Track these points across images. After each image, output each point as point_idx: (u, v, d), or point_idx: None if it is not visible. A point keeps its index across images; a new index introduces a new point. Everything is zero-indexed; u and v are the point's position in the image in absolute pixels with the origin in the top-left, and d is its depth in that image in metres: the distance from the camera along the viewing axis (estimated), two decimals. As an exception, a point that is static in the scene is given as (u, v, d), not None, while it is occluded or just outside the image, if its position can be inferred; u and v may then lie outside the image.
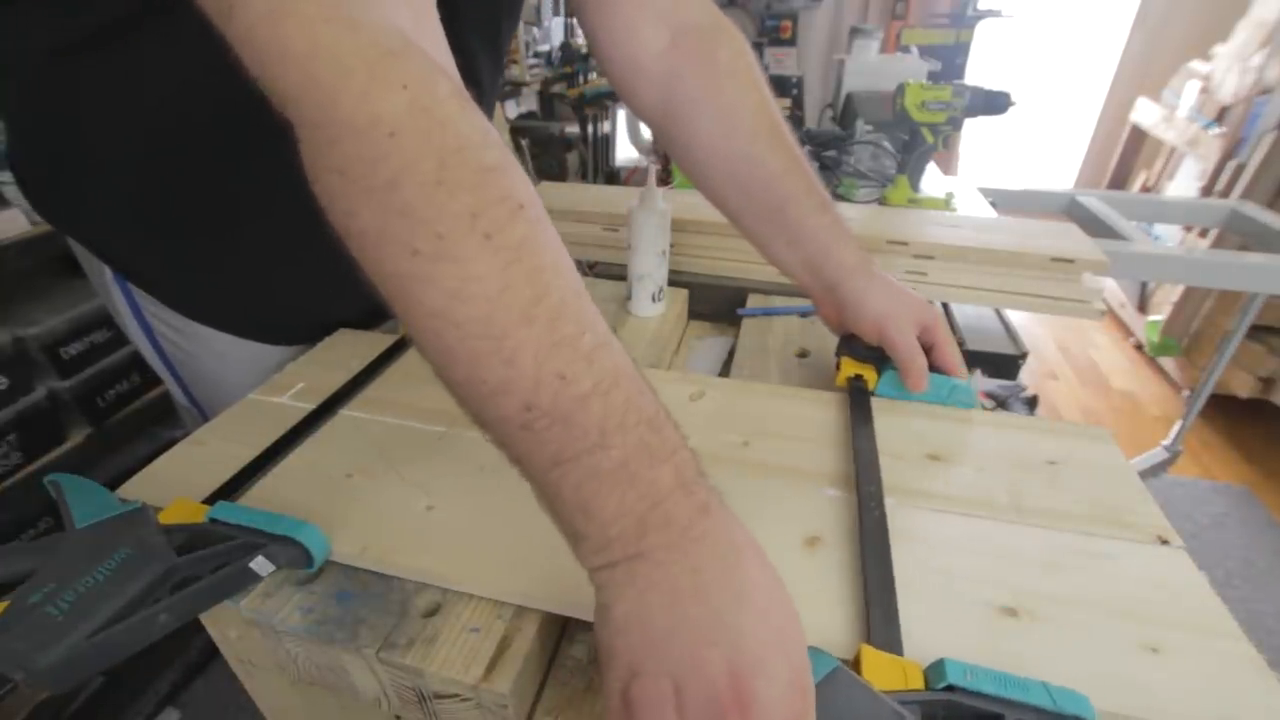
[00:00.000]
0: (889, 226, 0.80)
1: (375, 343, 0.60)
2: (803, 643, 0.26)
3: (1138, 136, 2.65)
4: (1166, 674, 0.31)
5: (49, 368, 1.01)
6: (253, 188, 0.51)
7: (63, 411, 1.03)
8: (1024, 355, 0.71)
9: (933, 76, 1.29)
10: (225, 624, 0.38)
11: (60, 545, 0.33)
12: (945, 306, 0.79)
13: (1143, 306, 2.29)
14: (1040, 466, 0.45)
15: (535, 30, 2.94)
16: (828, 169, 1.14)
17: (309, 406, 0.50)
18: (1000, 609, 0.34)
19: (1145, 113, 2.54)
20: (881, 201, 1.06)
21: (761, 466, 0.45)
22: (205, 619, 0.38)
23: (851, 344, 0.53)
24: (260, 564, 0.35)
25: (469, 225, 0.25)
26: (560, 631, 0.38)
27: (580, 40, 2.87)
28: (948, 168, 2.17)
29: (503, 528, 0.39)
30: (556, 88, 2.75)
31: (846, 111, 1.33)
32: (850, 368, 0.53)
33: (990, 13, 2.34)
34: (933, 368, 0.50)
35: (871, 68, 1.38)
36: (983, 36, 2.33)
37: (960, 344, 0.53)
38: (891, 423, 0.49)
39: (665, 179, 1.28)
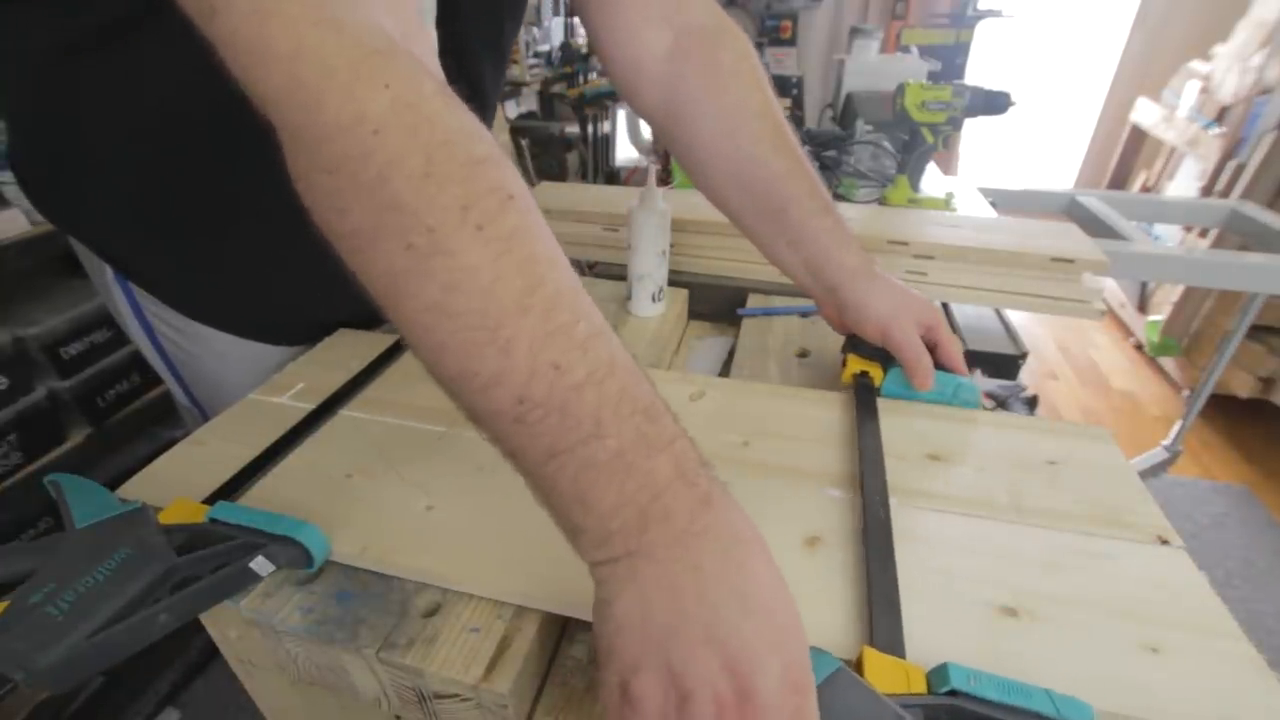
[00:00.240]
0: (889, 226, 0.80)
1: (375, 343, 0.60)
2: (803, 639, 0.26)
3: (1138, 136, 2.65)
4: (1166, 674, 0.31)
5: (49, 368, 1.01)
6: (252, 188, 0.51)
7: (63, 411, 1.03)
8: (1024, 355, 0.70)
9: (933, 76, 1.29)
10: (225, 624, 0.38)
11: (60, 545, 0.33)
12: (945, 306, 0.79)
13: (1143, 306, 2.29)
14: (1040, 466, 0.45)
15: (535, 30, 2.94)
16: (828, 169, 1.14)
17: (309, 406, 0.50)
18: (1000, 609, 0.34)
19: (1145, 113, 2.54)
20: (881, 201, 1.06)
21: (762, 466, 0.45)
22: (205, 619, 0.38)
23: (857, 342, 0.53)
24: (260, 564, 0.35)
25: (460, 217, 0.25)
26: (560, 631, 0.38)
27: (580, 40, 2.87)
28: (948, 168, 2.17)
29: (502, 528, 0.39)
30: (556, 88, 2.75)
31: (846, 111, 1.32)
32: (856, 365, 0.53)
33: (990, 13, 2.34)
34: (937, 366, 0.50)
35: (871, 68, 1.38)
36: (983, 36, 2.32)
37: (961, 344, 0.53)
38: (892, 423, 0.49)
39: (665, 179, 1.28)
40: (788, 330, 0.68)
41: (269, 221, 0.53)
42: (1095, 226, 1.22)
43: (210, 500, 0.40)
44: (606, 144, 2.84)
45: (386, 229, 0.26)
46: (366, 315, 0.65)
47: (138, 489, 0.43)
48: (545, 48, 2.97)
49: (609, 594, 0.26)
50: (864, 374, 0.53)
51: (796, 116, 1.87)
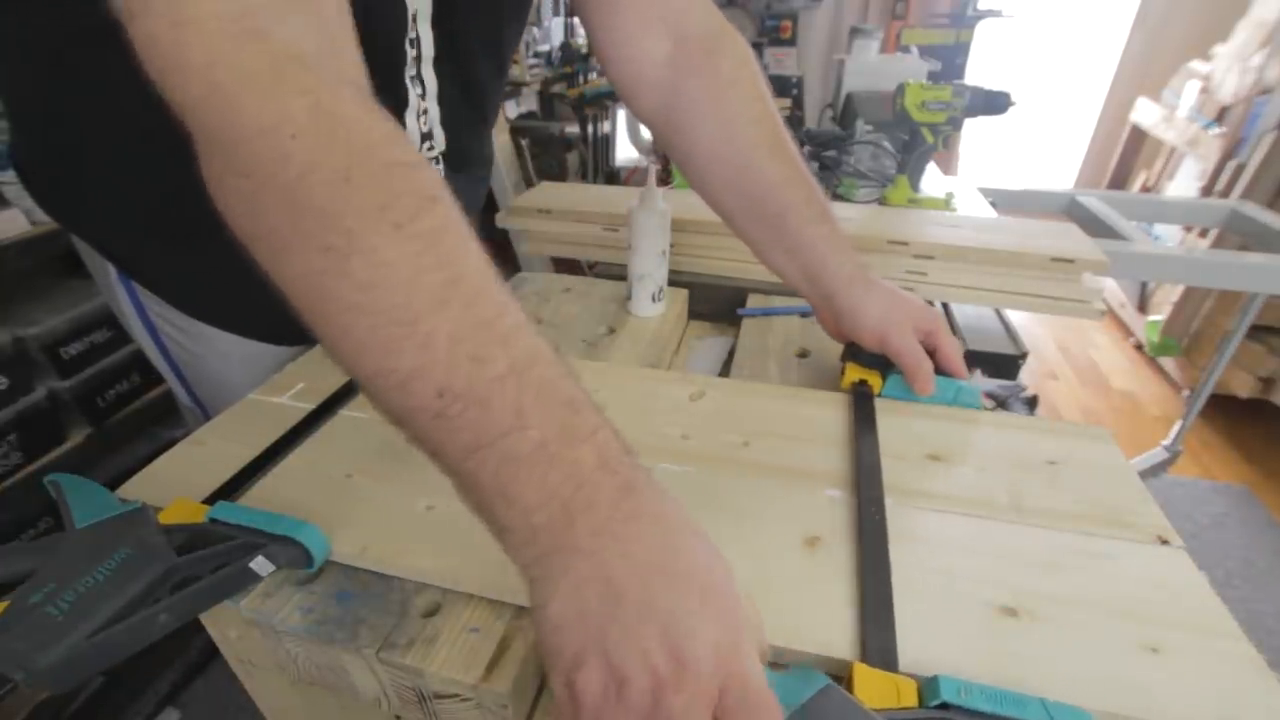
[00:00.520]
0: (889, 226, 0.80)
1: (375, 343, 0.60)
2: (736, 607, 0.26)
3: (1138, 136, 2.65)
4: (1166, 674, 0.31)
5: (49, 368, 1.01)
6: None
7: (63, 411, 1.03)
8: (1024, 355, 0.70)
9: (933, 76, 1.29)
10: (225, 624, 0.38)
11: (60, 545, 0.33)
12: (945, 306, 0.79)
13: (1143, 306, 2.29)
14: (1040, 466, 0.45)
15: (535, 30, 2.94)
16: (828, 169, 1.14)
17: (309, 406, 0.50)
18: (1000, 609, 0.34)
19: (1145, 113, 2.54)
20: (881, 201, 1.06)
21: (761, 466, 0.45)
22: (205, 619, 0.38)
23: (856, 350, 0.53)
24: (260, 564, 0.35)
25: (378, 216, 0.26)
26: (560, 631, 0.38)
27: (580, 40, 2.87)
28: (948, 168, 2.17)
29: (503, 528, 0.39)
30: (556, 88, 2.74)
31: (846, 111, 1.33)
32: (855, 373, 0.53)
33: (990, 13, 2.34)
34: (936, 371, 0.50)
35: (871, 68, 1.38)
36: (983, 36, 2.33)
37: (961, 344, 0.53)
38: (892, 423, 0.49)
39: (665, 179, 1.28)
40: (788, 330, 0.68)
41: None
42: (1095, 226, 1.22)
43: (210, 500, 0.40)
44: (606, 144, 2.84)
45: (304, 231, 0.26)
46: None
47: (138, 489, 0.43)
48: (545, 48, 2.96)
49: (543, 595, 0.26)
50: (863, 382, 0.53)
51: (796, 116, 1.87)
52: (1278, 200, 1.77)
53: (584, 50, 2.76)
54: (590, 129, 2.69)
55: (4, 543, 0.34)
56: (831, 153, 1.16)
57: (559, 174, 2.69)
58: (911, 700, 0.29)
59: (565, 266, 0.96)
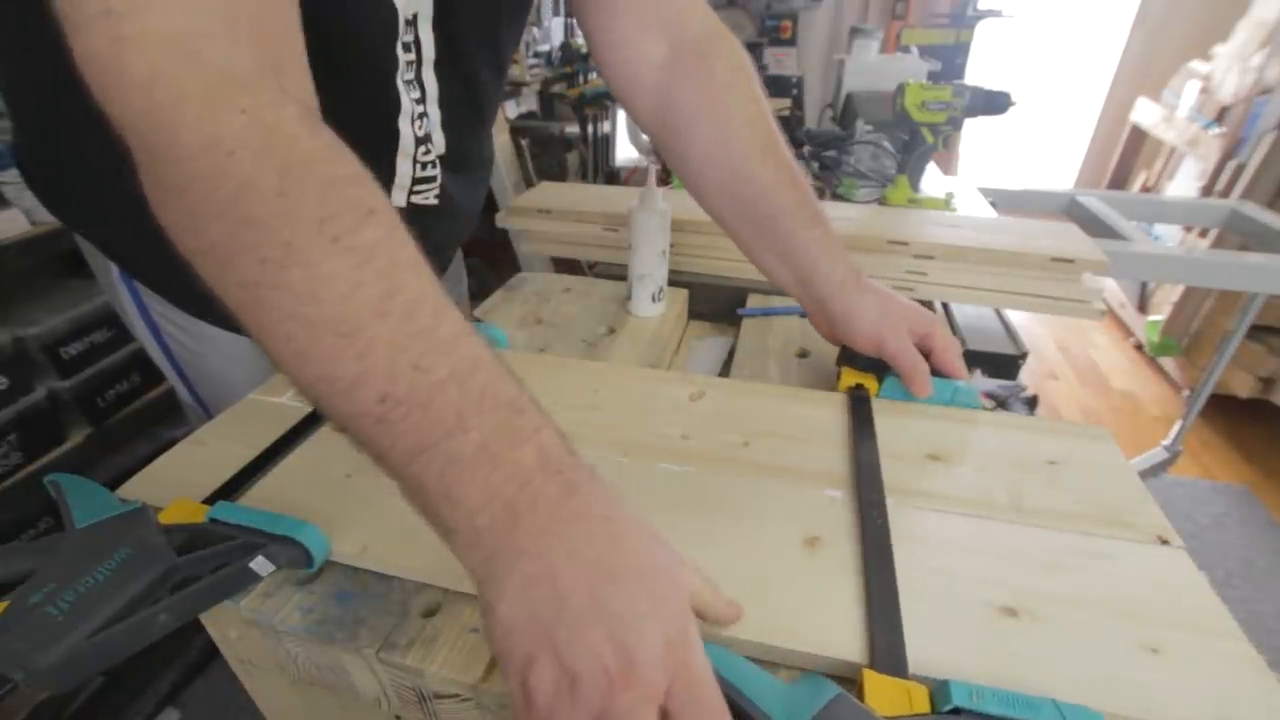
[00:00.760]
0: (889, 226, 0.80)
1: (375, 343, 0.60)
2: (681, 599, 0.26)
3: (1138, 136, 2.65)
4: (1166, 674, 0.31)
5: (49, 368, 1.01)
6: None
7: (63, 411, 1.04)
8: (1024, 355, 0.70)
9: (933, 76, 1.29)
10: (225, 624, 0.38)
11: (60, 545, 0.33)
12: (945, 306, 0.79)
13: (1143, 306, 2.29)
14: (1040, 466, 0.45)
15: (535, 30, 2.94)
16: (828, 169, 1.14)
17: (309, 406, 0.50)
18: (1000, 609, 0.34)
19: (1145, 113, 2.54)
20: (881, 201, 1.05)
21: (761, 466, 0.45)
22: (205, 619, 0.38)
23: (851, 354, 0.53)
24: (260, 564, 0.35)
25: (316, 230, 0.26)
26: (560, 631, 0.38)
27: (580, 40, 2.87)
28: (948, 168, 2.17)
29: (503, 528, 0.39)
30: (556, 88, 2.74)
31: (846, 111, 1.32)
32: (851, 378, 0.53)
33: (990, 13, 2.34)
34: (933, 372, 0.50)
35: (871, 68, 1.38)
36: (983, 36, 2.33)
37: (960, 344, 0.53)
38: (891, 423, 0.49)
39: (665, 179, 1.28)
40: (788, 330, 0.68)
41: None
42: (1095, 226, 1.22)
43: (210, 500, 0.40)
44: (606, 144, 2.84)
45: (240, 244, 0.26)
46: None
47: (138, 489, 0.43)
48: (545, 48, 2.96)
49: (492, 597, 0.26)
50: (859, 386, 0.53)
51: (796, 116, 1.87)
52: (1278, 200, 1.77)
53: (584, 50, 2.76)
54: (590, 129, 2.69)
55: (4, 543, 0.34)
56: (831, 153, 1.16)
57: (559, 174, 2.69)
58: (923, 706, 0.29)
59: (565, 266, 0.96)
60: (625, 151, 2.95)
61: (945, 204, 1.06)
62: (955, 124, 1.00)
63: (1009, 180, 1.46)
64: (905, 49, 2.13)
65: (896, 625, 0.33)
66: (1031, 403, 0.59)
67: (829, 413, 0.51)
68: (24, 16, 0.43)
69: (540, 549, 0.26)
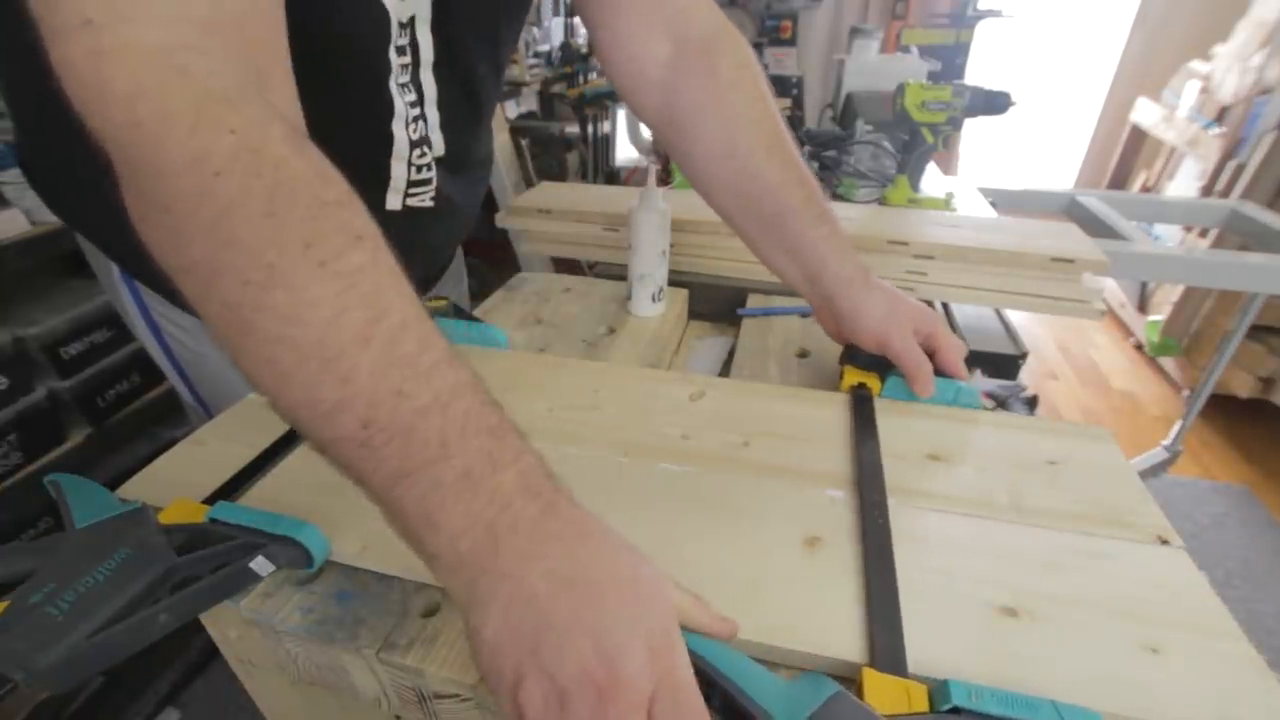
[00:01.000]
0: (889, 226, 0.80)
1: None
2: (664, 607, 0.27)
3: (1138, 136, 2.65)
4: (1166, 674, 0.31)
5: (49, 368, 1.01)
6: None
7: (63, 411, 1.04)
8: (1024, 355, 0.70)
9: (933, 76, 1.29)
10: (225, 624, 0.38)
11: (60, 545, 0.33)
12: (945, 306, 0.79)
13: (1143, 306, 2.29)
14: (1040, 466, 0.45)
15: (535, 30, 2.94)
16: (828, 169, 1.14)
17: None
18: (1000, 609, 0.34)
19: (1145, 113, 2.54)
20: (881, 201, 1.06)
21: (762, 466, 0.45)
22: (205, 619, 0.38)
23: (854, 353, 0.53)
24: (260, 564, 0.35)
25: (301, 253, 0.26)
26: (560, 631, 0.38)
27: (580, 40, 2.87)
28: (948, 168, 2.17)
29: (503, 528, 0.39)
30: (556, 88, 2.74)
31: (846, 111, 1.32)
32: (854, 376, 0.53)
33: (990, 13, 2.34)
34: (936, 373, 0.50)
35: (871, 68, 1.38)
36: (983, 36, 2.33)
37: (962, 348, 0.53)
38: (892, 423, 0.49)
39: (665, 179, 1.28)
40: (788, 330, 0.68)
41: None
42: (1095, 226, 1.22)
43: (210, 500, 0.40)
44: (606, 144, 2.84)
45: (224, 265, 0.26)
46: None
47: (138, 489, 0.43)
48: (545, 48, 2.96)
49: (476, 621, 0.26)
50: (861, 385, 0.53)
51: (796, 116, 1.87)
52: (1278, 200, 1.77)
53: (584, 50, 2.76)
54: (590, 129, 2.69)
55: (4, 543, 0.34)
56: (831, 153, 1.16)
57: (559, 174, 2.69)
58: (922, 705, 0.29)
59: (565, 266, 0.96)
60: (625, 151, 2.95)
61: (945, 204, 1.06)
62: (955, 124, 1.00)
63: (1009, 180, 1.46)
64: (905, 49, 2.13)
65: (896, 625, 0.33)
66: (1031, 403, 0.59)
67: (829, 413, 0.51)
68: (23, 14, 0.43)
69: (522, 571, 0.26)
